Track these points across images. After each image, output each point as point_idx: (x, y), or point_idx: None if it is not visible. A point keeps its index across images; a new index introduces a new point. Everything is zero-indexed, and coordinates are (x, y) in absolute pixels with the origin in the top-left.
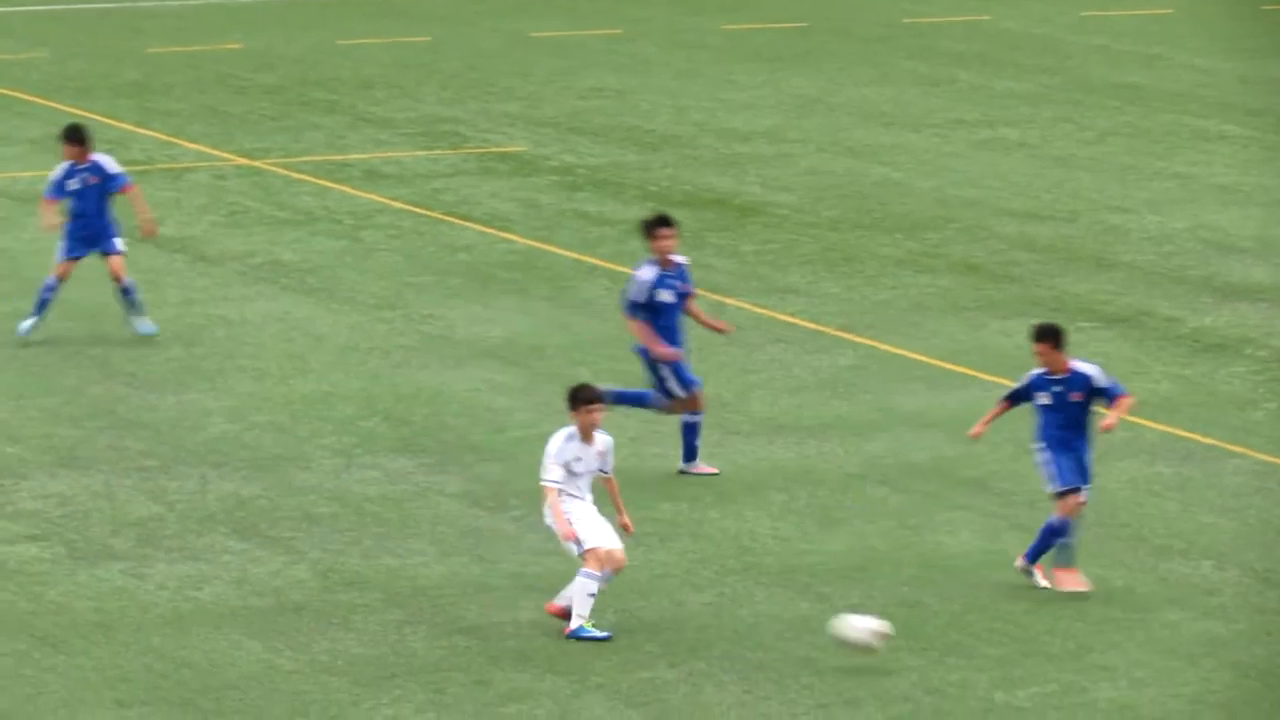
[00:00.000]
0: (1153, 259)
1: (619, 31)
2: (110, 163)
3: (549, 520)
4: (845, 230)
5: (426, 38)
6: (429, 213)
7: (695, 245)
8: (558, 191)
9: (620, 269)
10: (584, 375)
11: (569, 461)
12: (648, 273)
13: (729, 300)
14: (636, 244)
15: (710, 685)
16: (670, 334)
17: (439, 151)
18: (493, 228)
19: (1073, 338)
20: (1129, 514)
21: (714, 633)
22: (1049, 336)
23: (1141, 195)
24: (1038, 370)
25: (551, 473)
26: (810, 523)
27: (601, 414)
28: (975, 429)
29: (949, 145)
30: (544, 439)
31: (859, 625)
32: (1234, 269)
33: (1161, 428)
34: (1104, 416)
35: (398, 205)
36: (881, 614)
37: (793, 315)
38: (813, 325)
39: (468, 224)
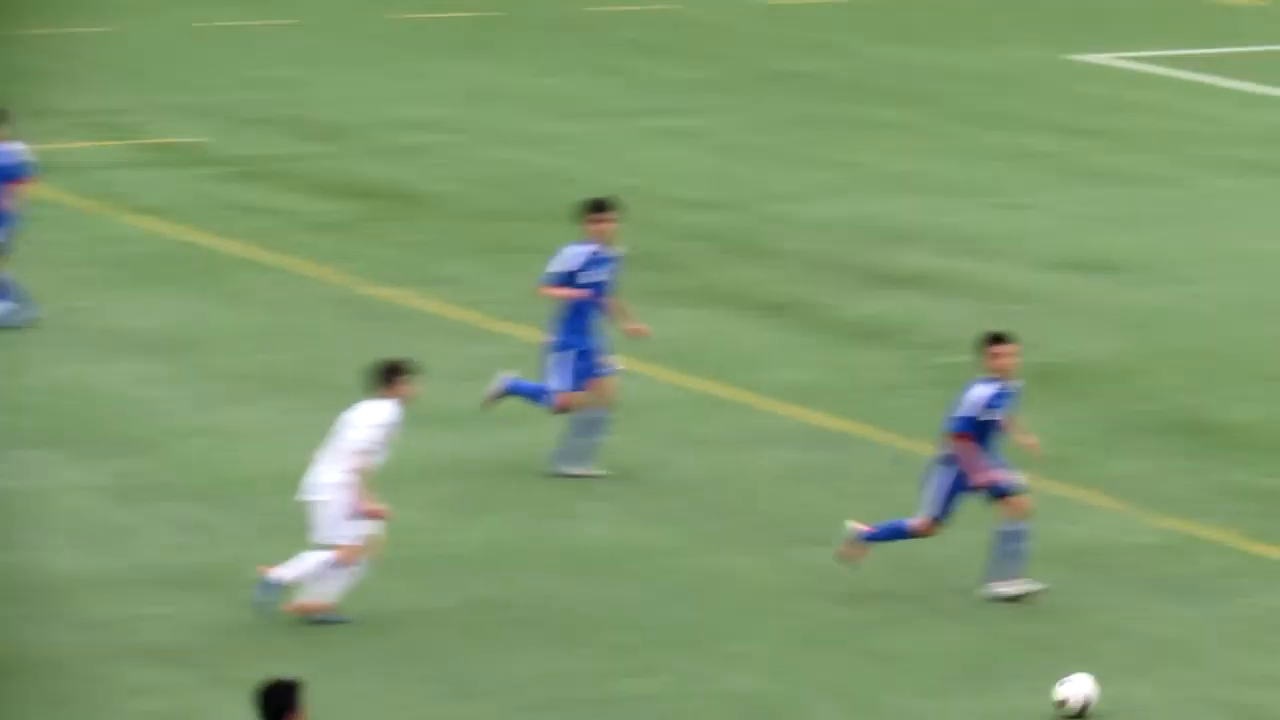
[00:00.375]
0: (813, 247)
1: (294, 21)
2: None
3: (348, 502)
4: (508, 220)
5: (100, 28)
6: (93, 203)
7: (357, 235)
8: (225, 183)
9: (283, 260)
10: (239, 368)
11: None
12: (581, 250)
13: (387, 290)
14: (302, 235)
15: (344, 677)
16: (586, 318)
17: (108, 142)
18: (157, 219)
19: (731, 325)
20: (769, 502)
21: (351, 625)
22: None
23: (805, 183)
24: (994, 382)
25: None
26: (454, 513)
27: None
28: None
29: (619, 135)
30: (196, 432)
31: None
32: (892, 257)
33: (807, 415)
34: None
35: (64, 196)
36: (515, 604)
37: (452, 305)
38: (471, 315)
39: (131, 215)
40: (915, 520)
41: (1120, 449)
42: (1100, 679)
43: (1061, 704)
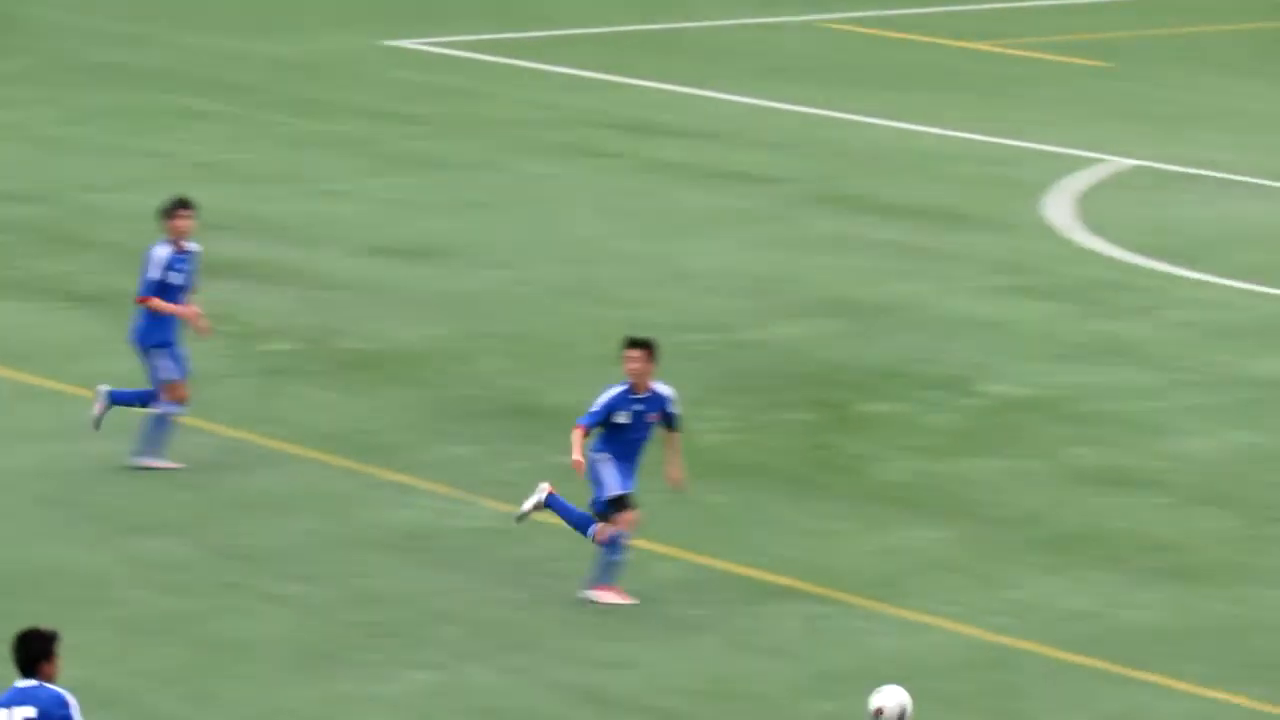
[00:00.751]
0: (127, 238)
1: None
2: None
3: None
4: None
5: None
6: None
7: None
8: None
9: None
10: None
11: None
12: (164, 251)
13: None
14: None
15: None
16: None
17: None
18: None
19: (46, 317)
20: (95, 492)
21: None
22: (647, 347)
23: (119, 174)
24: (619, 388)
25: None
26: None
27: None
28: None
29: None
30: None
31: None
32: (210, 246)
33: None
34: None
35: None
36: None
37: None
38: None
39: None
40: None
41: (448, 434)
42: (438, 665)
43: (878, 714)
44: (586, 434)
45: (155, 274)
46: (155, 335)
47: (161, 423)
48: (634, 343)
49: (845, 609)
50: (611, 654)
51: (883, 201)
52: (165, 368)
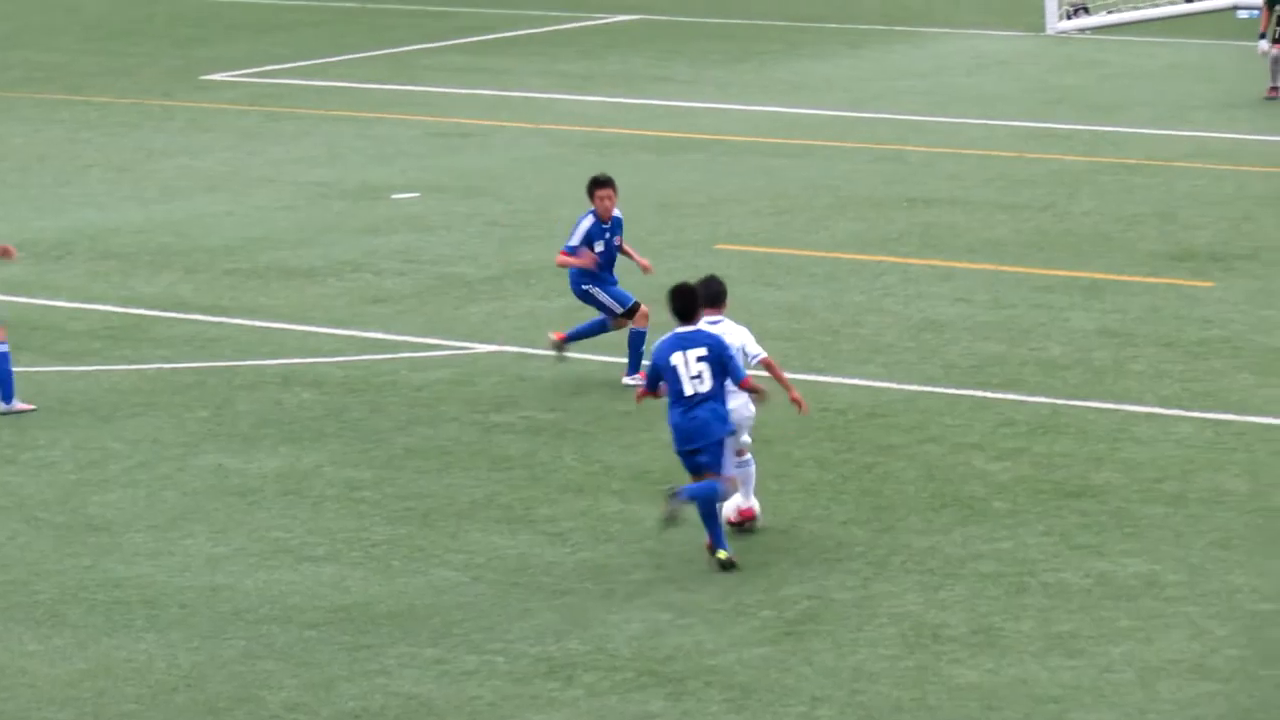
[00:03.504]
0: None
1: None
2: None
3: None
4: None
5: None
6: None
7: None
8: None
9: None
10: None
11: None
12: (588, 221)
13: None
14: None
15: None
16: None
17: None
18: None
19: None
20: None
21: None
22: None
23: None
24: (589, 219)
25: None
26: None
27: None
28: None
29: None
30: None
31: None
32: None
33: None
34: None
35: None
36: None
37: None
38: None
39: None
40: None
41: None
42: None
43: None
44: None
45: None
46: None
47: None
48: (606, 181)
49: None
50: None
51: None
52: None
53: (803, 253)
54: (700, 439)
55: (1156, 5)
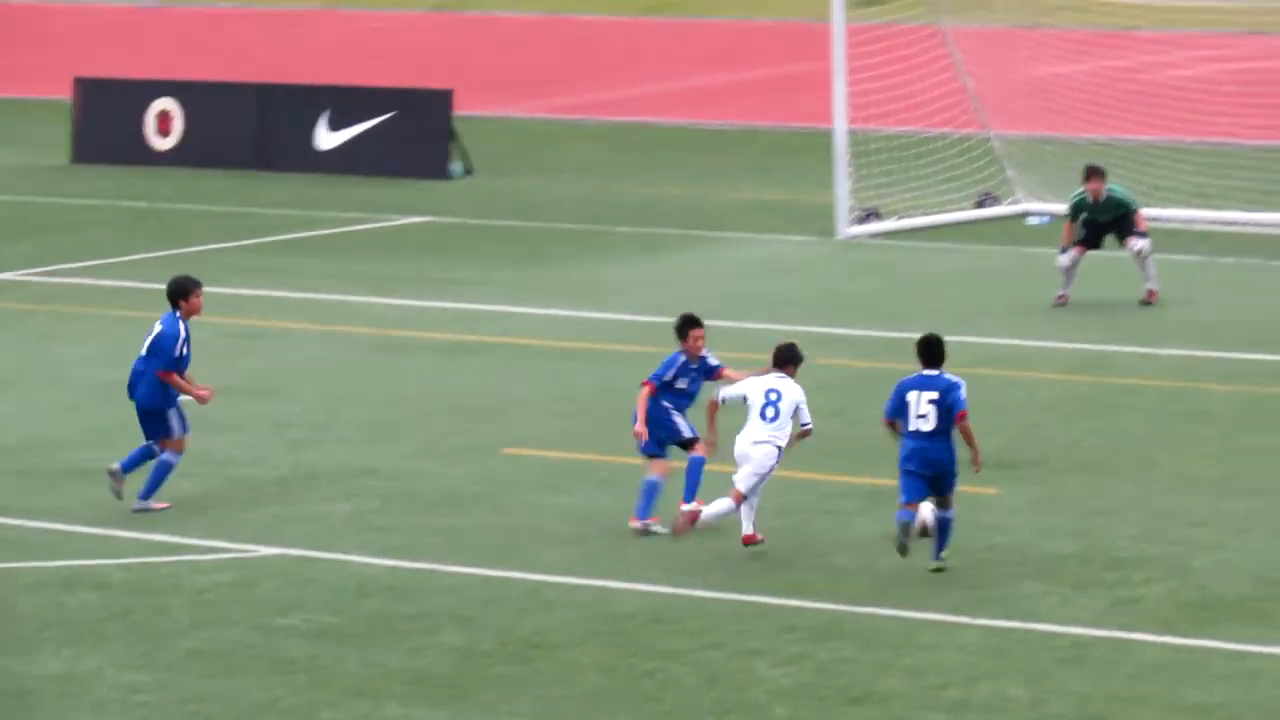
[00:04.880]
0: None
1: None
2: None
3: None
4: None
5: None
6: None
7: None
8: None
9: None
10: None
11: None
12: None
13: None
14: None
15: None
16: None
17: None
18: None
19: None
20: None
21: None
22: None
23: None
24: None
25: None
26: None
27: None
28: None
29: None
30: None
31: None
32: None
33: None
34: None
35: None
36: None
37: None
38: None
39: None
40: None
41: None
42: None
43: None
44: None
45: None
46: None
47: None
48: (696, 321)
49: None
50: None
51: None
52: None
53: (591, 457)
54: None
55: (947, 211)
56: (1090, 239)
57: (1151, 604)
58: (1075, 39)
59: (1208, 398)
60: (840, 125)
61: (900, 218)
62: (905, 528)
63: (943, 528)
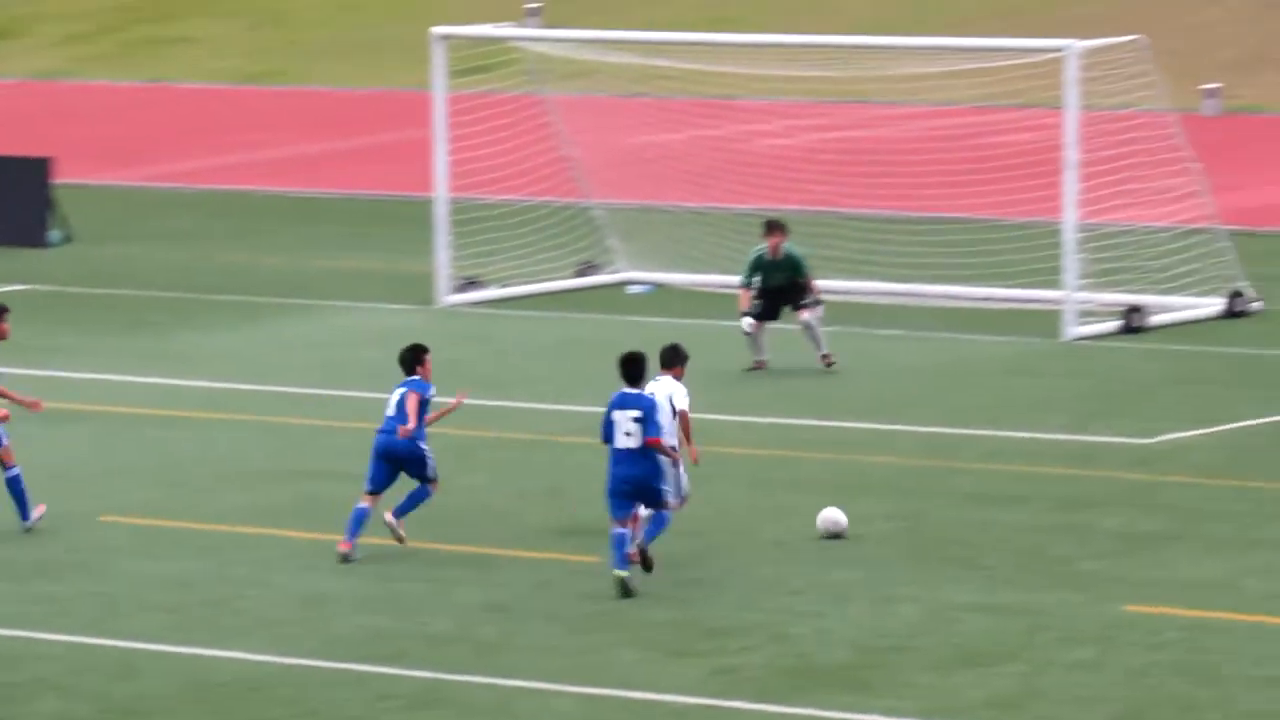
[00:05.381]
0: None
1: None
2: None
3: None
4: None
5: None
6: None
7: None
8: None
9: None
10: None
11: None
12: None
13: None
14: None
15: None
16: None
17: None
18: None
19: None
20: None
21: None
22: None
23: None
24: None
25: None
26: None
27: None
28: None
29: None
30: None
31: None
32: None
33: None
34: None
35: None
36: None
37: None
38: None
39: None
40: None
41: None
42: None
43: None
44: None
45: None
46: None
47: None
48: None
49: None
50: None
51: None
52: None
53: (189, 525)
54: None
55: (548, 279)
56: (768, 311)
57: (750, 671)
58: (675, 108)
59: (807, 466)
60: (441, 193)
61: (501, 286)
62: (620, 541)
63: (657, 521)
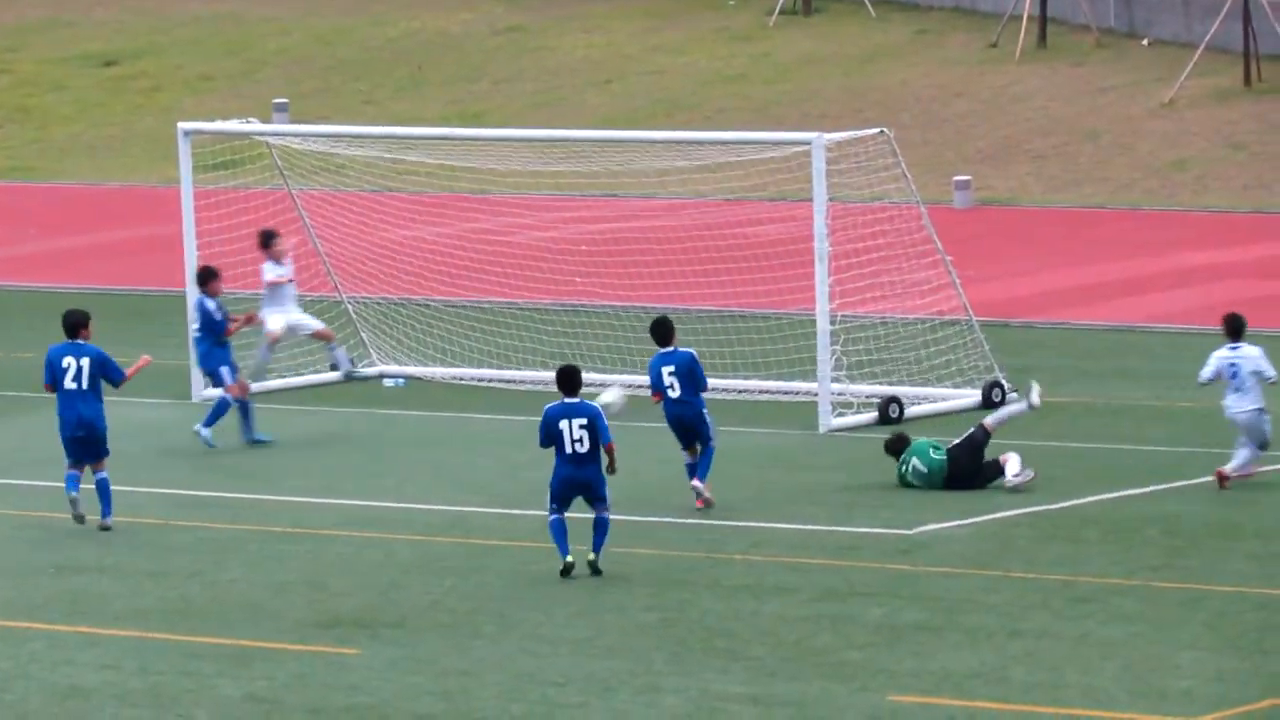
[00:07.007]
0: None
1: None
2: None
3: None
4: None
5: None
6: None
7: None
8: None
9: None
10: None
11: None
12: None
13: None
14: None
15: None
16: None
17: None
18: None
19: None
20: None
21: None
22: None
23: None
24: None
25: None
26: None
27: None
28: None
29: None
30: None
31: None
32: None
33: None
34: None
35: None
36: None
37: None
38: None
39: None
40: None
41: None
42: None
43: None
44: None
45: None
46: None
47: None
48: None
49: None
50: None
51: None
52: None
53: None
54: None
55: (304, 374)
56: None
57: None
58: (428, 203)
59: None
60: (192, 288)
61: (253, 380)
62: (558, 528)
63: (601, 527)
